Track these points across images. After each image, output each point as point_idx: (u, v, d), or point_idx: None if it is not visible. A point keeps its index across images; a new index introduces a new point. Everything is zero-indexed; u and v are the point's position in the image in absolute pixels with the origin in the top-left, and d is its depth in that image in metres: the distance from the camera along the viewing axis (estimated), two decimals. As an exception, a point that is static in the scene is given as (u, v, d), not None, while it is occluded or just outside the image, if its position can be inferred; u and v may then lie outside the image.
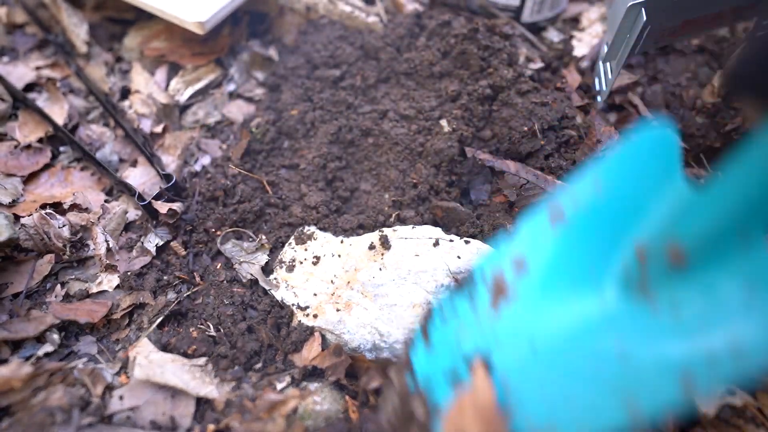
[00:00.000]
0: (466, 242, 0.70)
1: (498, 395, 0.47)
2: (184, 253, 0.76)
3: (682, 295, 0.44)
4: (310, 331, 0.66)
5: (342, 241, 0.74)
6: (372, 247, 0.71)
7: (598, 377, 0.45)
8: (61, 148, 0.88)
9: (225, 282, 0.73)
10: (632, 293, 0.47)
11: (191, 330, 0.68)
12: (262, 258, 0.74)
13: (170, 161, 0.87)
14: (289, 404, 0.58)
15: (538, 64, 0.93)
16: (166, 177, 0.80)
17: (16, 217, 0.74)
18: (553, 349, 0.47)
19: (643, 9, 0.73)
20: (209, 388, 0.60)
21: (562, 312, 0.49)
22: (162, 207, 0.76)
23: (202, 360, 0.63)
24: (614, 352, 0.45)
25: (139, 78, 0.97)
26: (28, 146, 0.84)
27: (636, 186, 0.50)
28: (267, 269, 0.74)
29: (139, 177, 0.84)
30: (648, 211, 0.48)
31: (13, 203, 0.77)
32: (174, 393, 0.61)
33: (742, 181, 0.41)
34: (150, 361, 0.62)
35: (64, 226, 0.74)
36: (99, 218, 0.77)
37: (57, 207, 0.77)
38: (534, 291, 0.51)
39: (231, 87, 0.98)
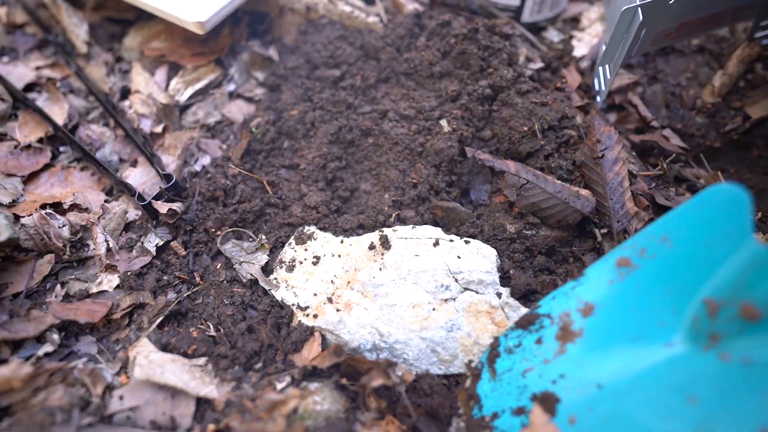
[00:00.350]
0: (466, 242, 0.70)
1: (562, 428, 0.50)
2: (184, 253, 0.76)
3: (757, 350, 0.46)
4: (310, 331, 0.66)
5: (342, 241, 0.74)
6: (372, 247, 0.71)
7: (668, 416, 0.48)
8: (61, 148, 0.88)
9: (225, 282, 0.73)
10: (701, 343, 0.49)
11: (191, 330, 0.68)
12: (262, 258, 0.74)
13: (170, 161, 0.87)
14: (289, 404, 0.58)
15: (538, 64, 0.93)
16: (166, 177, 0.80)
17: (16, 217, 0.74)
18: (620, 389, 0.51)
19: (639, 11, 0.73)
20: (209, 388, 0.60)
21: (628, 355, 0.52)
22: (162, 207, 0.76)
23: (202, 360, 0.63)
24: (684, 394, 0.48)
25: (139, 78, 0.97)
26: (28, 146, 0.84)
27: (706, 243, 0.52)
28: (267, 269, 0.74)
29: (139, 177, 0.84)
30: (718, 266, 0.51)
31: (13, 203, 0.77)
32: (174, 393, 0.61)
33: None
34: (150, 361, 0.62)
35: (64, 226, 0.74)
36: (99, 218, 0.77)
37: (57, 207, 0.77)
38: (601, 334, 0.55)
39: (231, 87, 0.98)
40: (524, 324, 0.60)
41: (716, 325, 0.48)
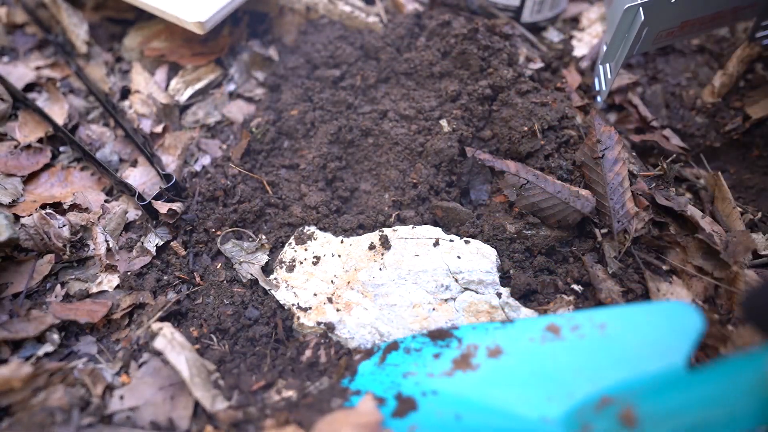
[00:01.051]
0: (466, 242, 0.70)
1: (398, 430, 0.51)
2: (184, 253, 0.76)
3: None
4: (311, 331, 0.66)
5: (342, 241, 0.74)
6: (372, 247, 0.71)
7: None
8: (61, 148, 0.88)
9: (225, 282, 0.73)
10: (572, 430, 0.49)
11: (191, 329, 0.68)
12: (262, 258, 0.74)
13: (170, 161, 0.87)
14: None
15: (538, 64, 0.93)
16: (166, 177, 0.80)
17: (16, 217, 0.74)
18: (473, 428, 0.51)
19: (640, 10, 0.73)
20: (207, 394, 0.60)
21: (502, 409, 0.52)
22: (162, 207, 0.76)
23: (214, 367, 0.63)
24: None
25: (139, 78, 0.97)
26: (28, 146, 0.84)
27: (639, 348, 0.51)
28: (267, 269, 0.74)
29: (139, 177, 0.84)
30: (634, 372, 0.49)
31: (13, 203, 0.77)
32: (174, 394, 0.61)
33: (718, 393, 0.41)
34: (173, 338, 0.62)
35: (64, 226, 0.74)
36: (99, 218, 0.77)
37: (57, 207, 0.77)
38: (492, 379, 0.55)
39: (231, 87, 0.98)
40: (434, 336, 0.61)
41: (595, 418, 0.47)
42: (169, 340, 0.61)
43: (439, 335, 0.60)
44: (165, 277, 0.74)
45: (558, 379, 0.52)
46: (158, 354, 0.62)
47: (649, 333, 0.51)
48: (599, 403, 0.47)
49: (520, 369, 0.55)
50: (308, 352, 0.64)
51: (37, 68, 0.96)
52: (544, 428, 0.50)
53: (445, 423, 0.52)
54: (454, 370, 0.56)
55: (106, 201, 0.81)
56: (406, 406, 0.54)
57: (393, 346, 0.61)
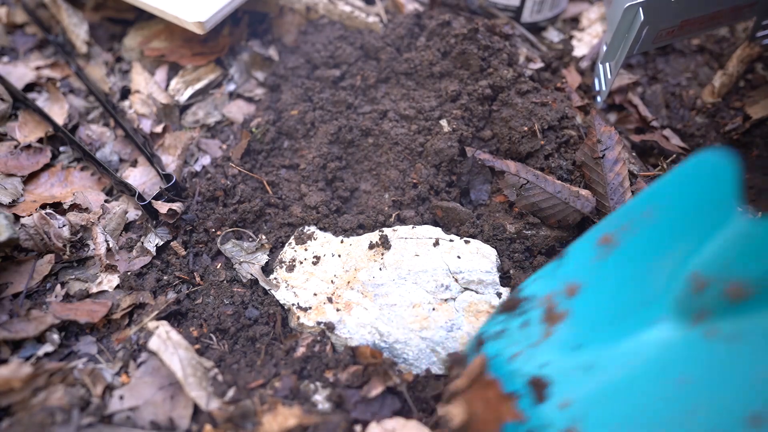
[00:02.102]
0: (466, 242, 0.70)
1: (553, 414, 0.48)
2: (184, 253, 0.76)
3: (743, 328, 0.43)
4: (310, 331, 0.66)
5: (342, 241, 0.74)
6: (372, 246, 0.71)
7: (658, 395, 0.45)
8: (61, 148, 0.88)
9: (225, 282, 0.73)
10: (688, 321, 0.46)
11: (191, 329, 0.68)
12: (262, 258, 0.74)
13: (170, 161, 0.87)
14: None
15: (538, 64, 0.93)
16: (166, 177, 0.80)
17: (16, 217, 0.74)
18: (610, 369, 0.48)
19: (640, 9, 0.73)
20: (201, 393, 0.59)
21: (615, 335, 0.50)
22: (162, 207, 0.76)
23: (211, 363, 0.63)
24: (672, 373, 0.45)
25: (139, 78, 0.97)
26: (28, 146, 0.84)
27: (689, 216, 0.48)
28: (267, 269, 0.74)
29: (139, 177, 0.84)
30: (702, 241, 0.47)
31: (13, 203, 0.77)
32: (173, 393, 0.61)
33: None
34: (169, 337, 0.62)
35: (64, 226, 0.74)
36: (99, 218, 0.77)
37: (57, 207, 0.77)
38: (587, 314, 0.52)
39: (231, 87, 0.98)
40: (508, 308, 0.57)
41: (703, 302, 0.45)
42: (164, 340, 0.62)
43: (512, 305, 0.57)
44: (165, 277, 0.74)
45: (641, 281, 0.50)
46: (154, 354, 0.62)
47: (691, 198, 0.48)
48: (694, 286, 0.46)
49: (605, 291, 0.52)
50: (302, 349, 0.64)
51: (37, 68, 0.96)
52: (661, 330, 0.47)
53: (583, 380, 0.49)
54: (550, 327, 0.53)
55: (106, 201, 0.81)
56: (540, 386, 0.50)
57: (480, 342, 0.56)
